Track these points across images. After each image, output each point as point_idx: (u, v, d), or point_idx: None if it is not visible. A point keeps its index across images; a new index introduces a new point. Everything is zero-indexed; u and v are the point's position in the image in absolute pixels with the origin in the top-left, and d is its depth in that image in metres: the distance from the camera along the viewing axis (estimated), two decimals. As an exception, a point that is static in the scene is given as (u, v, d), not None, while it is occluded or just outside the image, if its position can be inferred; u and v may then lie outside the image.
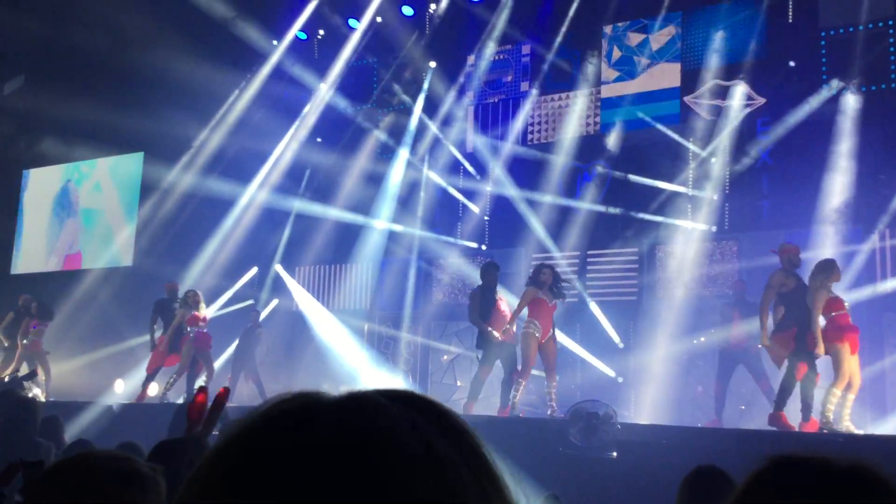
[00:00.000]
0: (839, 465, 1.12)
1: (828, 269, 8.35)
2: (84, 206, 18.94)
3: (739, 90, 12.55)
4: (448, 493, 0.68)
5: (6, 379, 9.42)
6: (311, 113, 16.17)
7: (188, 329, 12.11)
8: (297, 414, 0.71)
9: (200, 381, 12.06)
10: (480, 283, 10.39)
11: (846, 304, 8.44)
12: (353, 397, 0.73)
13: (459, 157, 15.00)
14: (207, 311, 12.69)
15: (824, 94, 11.90)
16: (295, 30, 16.14)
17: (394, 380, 14.49)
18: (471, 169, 14.92)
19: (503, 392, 10.06)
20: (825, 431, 8.00)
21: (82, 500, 1.82)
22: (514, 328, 9.98)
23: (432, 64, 15.39)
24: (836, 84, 11.81)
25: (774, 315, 8.77)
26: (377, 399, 0.73)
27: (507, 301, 10.49)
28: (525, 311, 9.86)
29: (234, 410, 7.71)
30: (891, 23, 11.76)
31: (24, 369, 12.73)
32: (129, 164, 18.16)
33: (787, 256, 8.74)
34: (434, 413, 0.74)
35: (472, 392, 10.15)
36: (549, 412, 9.67)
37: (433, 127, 15.11)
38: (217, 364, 13.14)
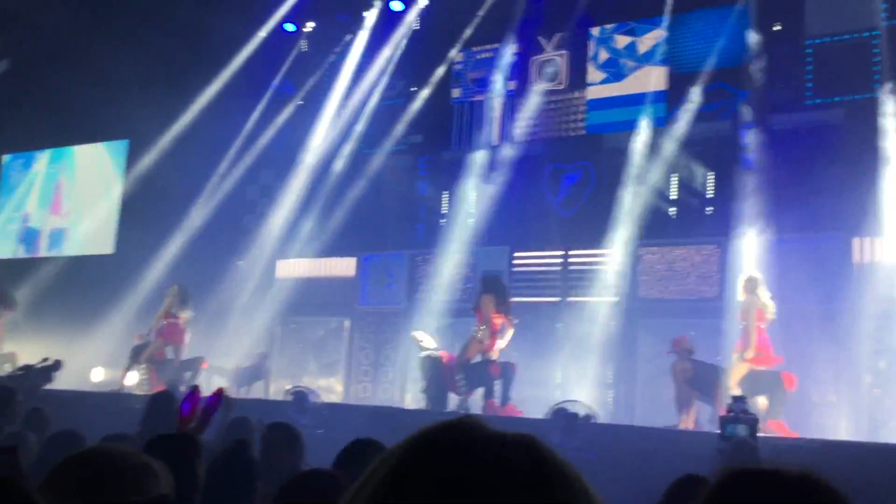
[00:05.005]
0: (790, 475, 1.23)
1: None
2: (65, 193, 18.79)
3: (725, 95, 12.64)
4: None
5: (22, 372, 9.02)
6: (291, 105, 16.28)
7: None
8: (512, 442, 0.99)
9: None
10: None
11: None
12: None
13: (442, 154, 15.00)
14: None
15: (808, 102, 12.03)
16: (275, 19, 16.09)
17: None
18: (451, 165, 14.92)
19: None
20: None
21: (101, 493, 1.84)
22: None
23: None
24: (820, 93, 11.94)
25: None
26: (531, 437, 1.01)
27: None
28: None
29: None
30: (876, 33, 11.87)
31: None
32: (114, 152, 18.03)
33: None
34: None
35: None
36: None
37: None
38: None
